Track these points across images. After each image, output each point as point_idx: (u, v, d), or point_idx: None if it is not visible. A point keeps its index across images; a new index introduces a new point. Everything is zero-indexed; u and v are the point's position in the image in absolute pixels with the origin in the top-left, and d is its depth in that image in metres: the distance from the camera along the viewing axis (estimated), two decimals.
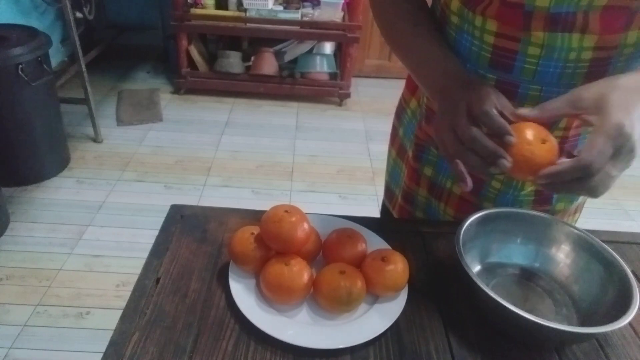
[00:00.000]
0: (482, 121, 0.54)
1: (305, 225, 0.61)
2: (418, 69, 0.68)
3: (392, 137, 0.93)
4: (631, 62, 0.61)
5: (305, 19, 2.86)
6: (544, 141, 0.54)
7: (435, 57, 0.65)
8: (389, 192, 0.97)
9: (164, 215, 0.74)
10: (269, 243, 0.61)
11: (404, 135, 0.87)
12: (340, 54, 3.10)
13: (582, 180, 0.50)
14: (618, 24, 0.57)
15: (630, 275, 0.58)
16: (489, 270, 0.67)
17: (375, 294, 0.61)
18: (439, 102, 0.61)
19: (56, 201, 2.10)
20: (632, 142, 0.47)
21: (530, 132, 0.54)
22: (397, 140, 0.90)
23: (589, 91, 0.52)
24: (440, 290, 0.65)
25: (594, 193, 0.50)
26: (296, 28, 2.86)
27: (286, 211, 0.61)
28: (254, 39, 3.03)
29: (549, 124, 0.56)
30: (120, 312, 0.58)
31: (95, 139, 2.52)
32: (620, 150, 0.48)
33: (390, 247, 0.67)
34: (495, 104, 0.55)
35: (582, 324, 0.60)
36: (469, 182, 0.56)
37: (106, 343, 0.54)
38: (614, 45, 0.59)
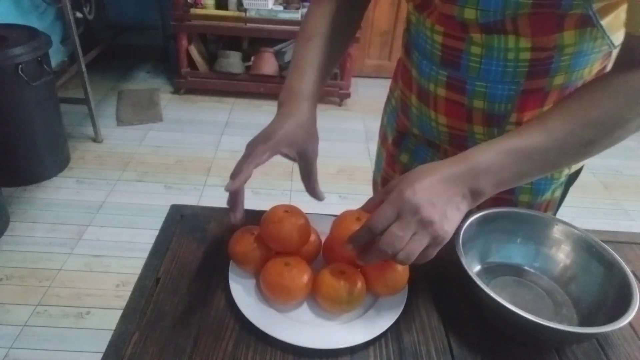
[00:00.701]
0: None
1: (306, 226, 0.61)
2: (288, 73, 0.70)
3: (380, 127, 0.96)
4: (576, 59, 0.62)
5: None
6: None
7: (297, 71, 0.69)
8: (375, 182, 1.00)
9: (164, 215, 0.74)
10: (269, 243, 0.61)
11: (387, 122, 0.90)
12: None
13: (374, 241, 0.53)
14: (549, 27, 0.58)
15: (630, 275, 0.58)
16: (489, 270, 0.67)
17: (375, 294, 0.61)
18: (277, 111, 0.65)
19: (56, 201, 2.10)
20: (414, 204, 0.51)
21: (347, 221, 0.59)
22: (382, 129, 0.94)
23: (397, 179, 0.56)
24: (440, 290, 0.65)
25: (387, 252, 0.52)
26: (296, 28, 2.85)
27: (286, 211, 0.61)
28: (254, 39, 3.03)
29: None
30: (120, 312, 0.58)
31: (95, 139, 2.52)
32: (404, 212, 0.51)
33: None
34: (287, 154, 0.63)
35: (582, 324, 0.60)
36: (235, 216, 0.61)
37: (106, 343, 0.54)
38: (551, 46, 0.60)
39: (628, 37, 0.55)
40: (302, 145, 0.63)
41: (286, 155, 0.63)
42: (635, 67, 0.54)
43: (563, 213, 0.82)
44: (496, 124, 0.68)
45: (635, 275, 0.61)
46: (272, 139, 0.61)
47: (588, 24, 0.58)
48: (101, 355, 0.53)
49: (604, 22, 0.58)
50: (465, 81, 0.66)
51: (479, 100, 0.67)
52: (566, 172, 0.76)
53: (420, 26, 0.69)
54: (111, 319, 1.31)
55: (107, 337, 0.54)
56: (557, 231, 0.67)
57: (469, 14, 0.60)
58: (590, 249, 0.64)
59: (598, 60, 0.64)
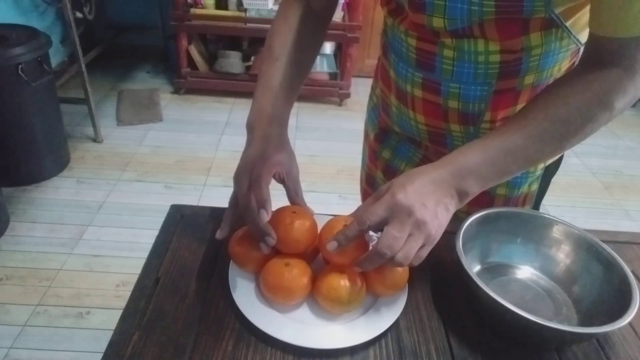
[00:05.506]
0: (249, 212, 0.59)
1: (315, 227, 0.61)
2: (255, 95, 0.69)
3: (364, 124, 0.98)
4: (545, 59, 0.64)
5: None
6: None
7: (268, 93, 0.68)
8: (360, 180, 1.01)
9: (164, 215, 0.74)
10: (278, 245, 0.61)
11: (369, 119, 0.93)
12: (340, 54, 3.10)
13: (367, 247, 0.55)
14: (515, 31, 0.60)
15: (630, 275, 0.58)
16: (489, 270, 0.67)
17: (375, 294, 0.61)
18: (247, 138, 0.66)
19: (56, 201, 2.10)
20: (407, 206, 0.53)
21: (336, 229, 0.58)
22: (365, 125, 0.96)
23: (386, 184, 0.57)
24: (440, 290, 0.65)
25: (386, 254, 0.52)
26: None
27: (294, 212, 0.61)
28: (254, 39, 3.02)
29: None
30: (120, 312, 0.58)
31: (95, 139, 2.52)
32: (398, 214, 0.53)
33: None
34: (284, 178, 0.64)
35: (582, 324, 0.60)
36: (274, 237, 0.59)
37: (106, 343, 0.54)
38: (518, 48, 0.62)
39: (592, 36, 0.57)
40: (288, 166, 0.65)
41: (278, 176, 0.64)
42: (600, 65, 0.56)
43: (564, 213, 0.82)
44: (471, 123, 0.71)
45: (635, 275, 0.61)
46: (269, 158, 0.61)
47: (553, 25, 0.60)
48: (101, 355, 0.53)
49: (569, 23, 0.60)
50: (440, 83, 0.68)
51: (453, 101, 0.69)
52: (541, 165, 0.78)
53: (395, 30, 0.71)
54: (111, 319, 1.31)
55: (107, 337, 0.54)
56: (557, 231, 0.67)
57: (438, 22, 0.62)
58: (590, 249, 0.64)
59: (566, 58, 0.66)
